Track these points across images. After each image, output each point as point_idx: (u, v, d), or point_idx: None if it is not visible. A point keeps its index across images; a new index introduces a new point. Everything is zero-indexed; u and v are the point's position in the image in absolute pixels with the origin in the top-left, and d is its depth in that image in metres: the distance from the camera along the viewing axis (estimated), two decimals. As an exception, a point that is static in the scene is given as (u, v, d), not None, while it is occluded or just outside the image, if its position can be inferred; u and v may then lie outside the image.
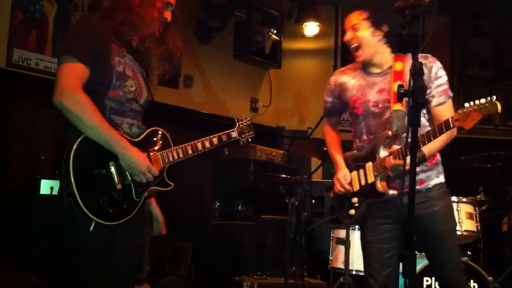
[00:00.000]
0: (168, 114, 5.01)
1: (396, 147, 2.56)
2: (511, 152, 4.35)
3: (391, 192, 2.59)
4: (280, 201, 4.72)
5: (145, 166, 2.36)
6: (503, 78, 6.61)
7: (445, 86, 2.64)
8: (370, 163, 2.67)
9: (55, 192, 3.63)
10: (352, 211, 2.77)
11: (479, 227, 4.07)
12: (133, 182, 2.37)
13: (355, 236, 4.21)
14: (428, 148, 2.51)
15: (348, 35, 2.73)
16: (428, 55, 2.67)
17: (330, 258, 4.45)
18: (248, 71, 6.12)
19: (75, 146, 2.22)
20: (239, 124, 2.84)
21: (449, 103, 2.64)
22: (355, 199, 2.76)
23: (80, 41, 2.31)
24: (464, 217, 3.98)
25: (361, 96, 2.75)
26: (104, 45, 2.35)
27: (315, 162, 5.81)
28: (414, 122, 2.02)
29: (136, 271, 2.43)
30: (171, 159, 2.51)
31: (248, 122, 2.89)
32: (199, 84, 5.51)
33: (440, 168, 2.76)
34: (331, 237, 4.49)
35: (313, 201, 5.14)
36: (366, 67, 2.79)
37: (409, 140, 2.13)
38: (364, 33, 2.68)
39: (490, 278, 3.87)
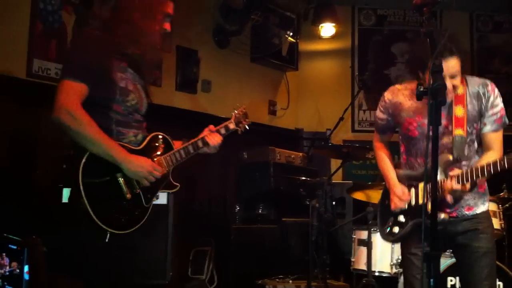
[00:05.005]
0: (186, 119, 5.06)
1: (458, 170, 2.55)
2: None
3: (442, 216, 2.54)
4: (301, 203, 4.70)
5: (149, 167, 2.41)
6: (525, 73, 6.51)
7: (499, 115, 2.64)
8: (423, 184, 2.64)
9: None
10: (396, 229, 2.75)
11: (503, 225, 4.00)
12: (142, 190, 2.42)
13: (377, 237, 4.17)
14: None
15: (454, 83, 2.61)
16: (488, 82, 2.66)
17: (352, 259, 4.42)
18: (266, 74, 6.12)
19: (83, 161, 2.27)
20: (235, 114, 2.89)
21: (500, 132, 2.66)
22: (401, 218, 2.73)
23: (81, 61, 2.35)
24: (488, 215, 3.92)
25: (417, 119, 2.70)
26: (105, 62, 2.37)
27: (335, 163, 5.79)
28: (435, 121, 2.01)
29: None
30: (174, 161, 2.57)
31: (244, 111, 2.93)
32: (217, 88, 5.52)
33: (487, 196, 2.76)
34: (353, 239, 4.45)
35: (334, 202, 5.11)
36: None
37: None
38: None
39: (516, 276, 3.81)
